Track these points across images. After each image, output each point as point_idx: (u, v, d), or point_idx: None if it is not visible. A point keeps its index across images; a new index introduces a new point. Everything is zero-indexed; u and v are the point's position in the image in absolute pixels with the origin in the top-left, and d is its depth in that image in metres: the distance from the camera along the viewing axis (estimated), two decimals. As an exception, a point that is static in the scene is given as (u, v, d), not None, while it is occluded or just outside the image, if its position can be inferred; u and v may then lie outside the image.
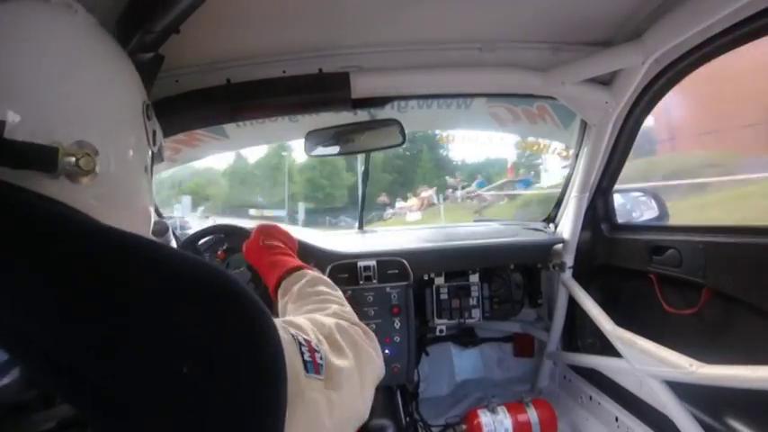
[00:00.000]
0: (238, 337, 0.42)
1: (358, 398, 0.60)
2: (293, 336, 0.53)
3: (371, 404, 0.66)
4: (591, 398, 1.78)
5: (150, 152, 0.66)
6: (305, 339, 0.54)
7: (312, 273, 0.89)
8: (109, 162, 0.53)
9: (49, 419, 0.41)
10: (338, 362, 0.57)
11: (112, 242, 0.41)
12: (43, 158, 0.46)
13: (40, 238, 0.38)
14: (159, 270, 0.41)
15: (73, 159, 0.48)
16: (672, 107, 7.47)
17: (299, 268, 0.90)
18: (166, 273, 0.42)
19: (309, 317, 0.66)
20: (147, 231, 0.66)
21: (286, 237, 1.07)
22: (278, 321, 0.54)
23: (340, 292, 0.83)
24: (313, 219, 15.42)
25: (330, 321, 0.65)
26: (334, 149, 1.57)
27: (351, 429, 0.60)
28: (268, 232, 1.05)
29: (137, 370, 0.36)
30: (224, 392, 0.39)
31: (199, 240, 1.46)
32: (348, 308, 0.77)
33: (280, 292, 0.87)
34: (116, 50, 0.61)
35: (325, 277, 0.89)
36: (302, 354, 0.51)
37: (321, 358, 0.54)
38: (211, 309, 0.42)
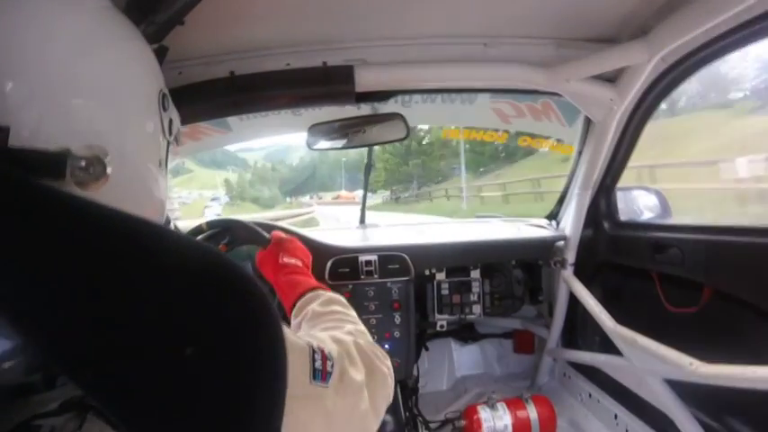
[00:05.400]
0: (239, 323, 0.42)
1: (367, 413, 0.61)
2: (308, 343, 0.54)
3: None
4: (590, 395, 1.79)
5: (166, 143, 0.64)
6: (319, 347, 0.54)
7: (327, 293, 0.90)
8: (121, 164, 0.51)
9: (51, 401, 0.41)
10: (351, 373, 0.58)
11: (117, 225, 0.40)
12: (51, 165, 0.44)
13: (43, 220, 0.37)
14: (163, 254, 0.41)
15: (82, 164, 0.46)
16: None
17: (314, 289, 0.91)
18: (170, 256, 0.41)
19: (328, 333, 0.67)
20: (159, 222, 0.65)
21: (303, 253, 1.08)
22: (299, 333, 0.54)
23: (354, 312, 0.84)
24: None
25: (348, 338, 0.66)
26: (338, 143, 1.57)
27: None
28: (286, 248, 1.06)
29: (140, 351, 0.37)
30: (224, 376, 0.40)
31: (201, 233, 1.46)
32: (362, 327, 0.78)
33: (294, 311, 0.88)
34: (132, 37, 0.58)
35: (340, 297, 0.89)
36: (314, 360, 0.52)
37: (332, 366, 0.55)
38: (214, 295, 0.42)
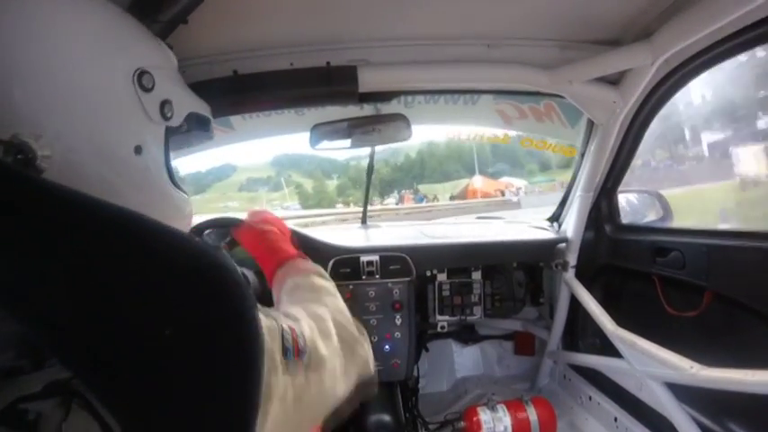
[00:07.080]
0: (222, 321, 0.43)
1: (338, 381, 0.62)
2: (275, 320, 0.54)
3: (373, 400, 0.68)
4: (590, 398, 1.79)
5: (157, 126, 0.61)
6: (290, 327, 0.55)
7: (306, 264, 0.90)
8: (67, 150, 0.48)
9: (35, 382, 0.42)
10: (323, 349, 0.59)
11: (98, 213, 0.41)
12: None
13: (28, 206, 0.37)
14: (142, 241, 0.41)
15: (8, 159, 0.43)
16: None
17: (293, 258, 0.91)
18: (164, 252, 0.42)
19: (304, 306, 0.68)
20: (159, 216, 0.63)
21: (279, 223, 1.08)
22: (270, 310, 0.55)
23: (333, 284, 0.85)
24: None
25: (323, 311, 0.68)
26: (340, 143, 1.57)
27: (324, 409, 0.61)
28: (261, 217, 1.06)
29: (122, 331, 0.37)
30: (204, 356, 0.41)
31: (201, 233, 1.47)
32: (340, 302, 0.78)
33: (275, 281, 0.88)
34: (95, 17, 0.55)
35: (318, 267, 0.89)
36: (284, 338, 0.53)
37: (304, 344, 0.55)
38: (193, 279, 0.42)
